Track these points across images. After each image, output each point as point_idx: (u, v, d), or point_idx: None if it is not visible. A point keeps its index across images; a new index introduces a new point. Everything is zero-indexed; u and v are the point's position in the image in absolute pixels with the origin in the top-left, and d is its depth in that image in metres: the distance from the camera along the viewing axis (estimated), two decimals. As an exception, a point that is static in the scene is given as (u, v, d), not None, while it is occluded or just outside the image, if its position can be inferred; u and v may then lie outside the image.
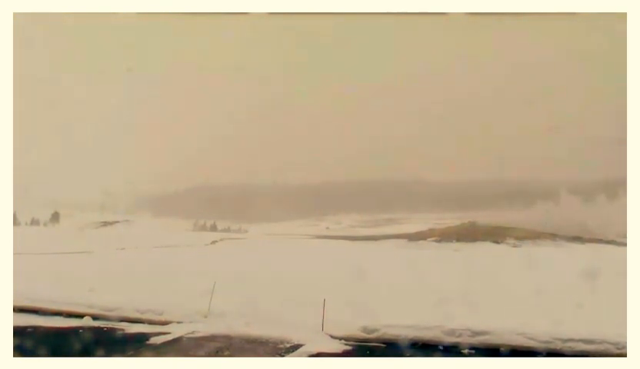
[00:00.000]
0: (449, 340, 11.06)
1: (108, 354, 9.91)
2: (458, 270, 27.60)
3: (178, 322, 12.67)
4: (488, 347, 10.66)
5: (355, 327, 11.74)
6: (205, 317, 12.91)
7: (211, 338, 11.27)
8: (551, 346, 10.45)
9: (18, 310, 11.92)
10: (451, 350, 10.69)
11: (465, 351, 10.68)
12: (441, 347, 10.86)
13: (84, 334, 11.85)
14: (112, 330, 12.46)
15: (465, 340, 10.98)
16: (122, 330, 12.44)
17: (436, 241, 69.28)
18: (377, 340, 11.35)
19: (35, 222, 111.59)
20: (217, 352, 10.20)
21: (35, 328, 12.18)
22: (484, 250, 53.01)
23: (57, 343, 11.10)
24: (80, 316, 13.45)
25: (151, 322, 12.99)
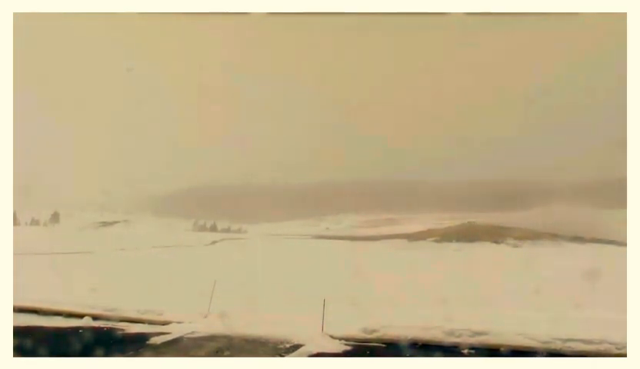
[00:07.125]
0: (449, 340, 11.06)
1: (108, 354, 9.92)
2: (457, 271, 27.66)
3: (178, 322, 12.66)
4: (488, 347, 10.65)
5: (355, 327, 11.74)
6: (205, 317, 12.91)
7: (211, 338, 11.27)
8: (551, 346, 10.44)
9: (18, 310, 11.92)
10: (451, 350, 10.68)
11: (465, 351, 10.68)
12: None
13: (84, 334, 11.84)
14: (112, 330, 12.45)
15: (465, 340, 10.97)
16: (122, 330, 12.43)
17: (436, 241, 69.33)
18: (377, 340, 11.33)
19: (34, 222, 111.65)
20: (217, 352, 10.19)
21: (36, 328, 12.18)
22: (483, 250, 53.06)
23: (57, 343, 11.10)
24: (80, 316, 13.45)
25: (151, 322, 12.98)
